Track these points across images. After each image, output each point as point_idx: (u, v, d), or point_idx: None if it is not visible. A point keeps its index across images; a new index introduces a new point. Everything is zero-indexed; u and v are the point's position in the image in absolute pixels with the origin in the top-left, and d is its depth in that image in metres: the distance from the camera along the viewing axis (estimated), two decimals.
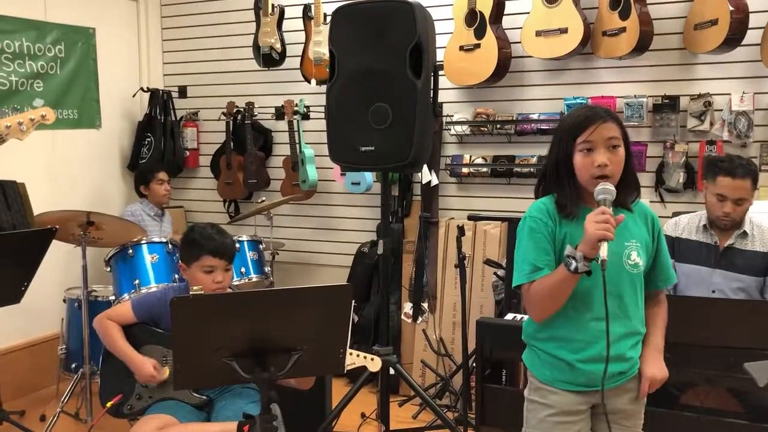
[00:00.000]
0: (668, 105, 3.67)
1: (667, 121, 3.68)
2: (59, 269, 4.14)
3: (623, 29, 3.56)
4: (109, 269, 3.72)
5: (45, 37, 4.31)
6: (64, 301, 3.97)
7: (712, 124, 3.60)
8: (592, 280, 1.84)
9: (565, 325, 1.91)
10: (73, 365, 3.79)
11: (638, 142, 3.77)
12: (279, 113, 4.62)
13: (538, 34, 3.73)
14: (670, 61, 3.72)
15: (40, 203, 3.62)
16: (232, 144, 4.76)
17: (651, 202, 3.75)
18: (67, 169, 4.48)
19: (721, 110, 3.58)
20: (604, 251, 1.72)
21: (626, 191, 1.92)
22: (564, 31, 3.66)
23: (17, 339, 4.11)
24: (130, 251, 3.63)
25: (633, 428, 2.00)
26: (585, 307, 1.88)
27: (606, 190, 1.80)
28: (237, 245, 3.54)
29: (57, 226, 2.60)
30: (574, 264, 1.75)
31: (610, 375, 1.90)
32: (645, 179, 3.77)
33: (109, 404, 2.57)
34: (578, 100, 3.82)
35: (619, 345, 1.90)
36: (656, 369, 1.96)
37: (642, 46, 3.57)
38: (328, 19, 4.05)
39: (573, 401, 1.93)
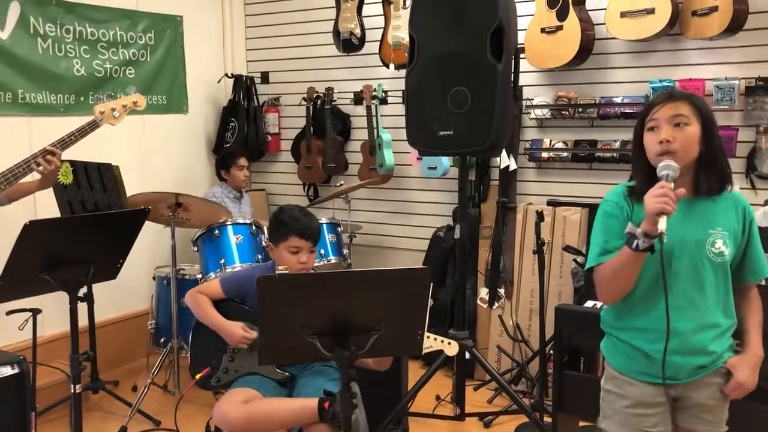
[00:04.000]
0: (763, 87, 3.50)
1: (761, 104, 3.51)
2: (149, 248, 4.35)
3: (715, 8, 3.40)
4: (196, 249, 3.87)
5: (136, 25, 4.51)
6: (154, 278, 4.16)
7: None
8: (674, 268, 1.82)
9: (643, 315, 1.88)
10: (162, 339, 3.97)
11: (728, 127, 3.61)
12: (357, 98, 4.68)
13: (623, 15, 3.62)
14: (765, 41, 3.54)
15: (132, 185, 3.80)
16: (311, 129, 4.86)
17: (741, 188, 3.60)
18: (157, 152, 4.68)
19: None
20: (663, 224, 1.70)
21: (707, 176, 1.86)
22: (651, 11, 3.53)
23: (112, 313, 4.35)
24: (216, 232, 3.77)
25: (716, 423, 1.94)
26: (662, 296, 1.84)
27: (668, 166, 1.78)
28: None
29: (150, 207, 2.73)
30: (635, 241, 1.74)
31: (690, 368, 1.87)
32: (735, 165, 3.61)
33: (198, 376, 2.69)
34: (665, 83, 3.69)
35: (698, 336, 1.85)
36: (749, 376, 1.89)
37: (735, 25, 3.40)
38: (408, 3, 4.07)
39: (650, 393, 1.89)
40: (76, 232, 2.44)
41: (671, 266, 1.83)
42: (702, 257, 1.85)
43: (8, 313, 3.00)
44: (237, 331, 2.63)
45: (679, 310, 1.83)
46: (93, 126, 2.97)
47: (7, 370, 2.53)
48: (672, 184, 1.76)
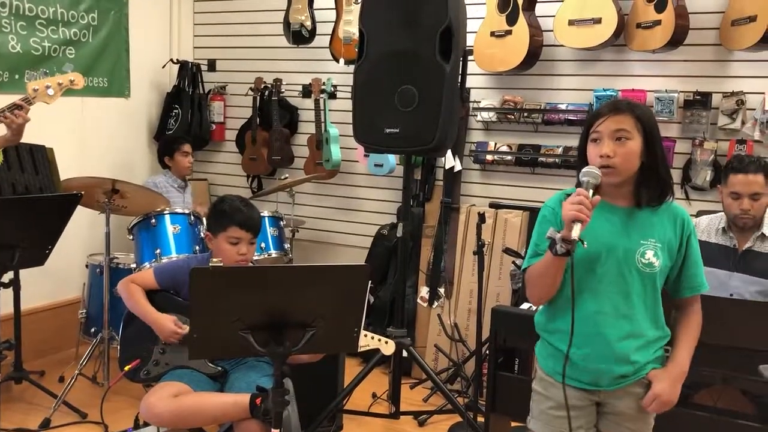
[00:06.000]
0: (700, 101, 3.61)
1: (697, 117, 3.63)
2: (83, 235, 4.22)
3: (658, 22, 3.50)
4: (131, 237, 3.76)
5: (78, 4, 4.34)
6: (87, 266, 4.03)
7: (743, 123, 3.54)
8: (599, 274, 1.84)
9: (567, 318, 1.86)
10: (93, 329, 3.85)
11: (666, 138, 3.71)
12: (306, 91, 4.63)
13: (571, 23, 3.68)
14: (704, 57, 3.66)
15: (67, 169, 3.67)
16: (258, 119, 4.78)
17: (676, 199, 3.70)
18: (95, 136, 4.53)
19: (754, 109, 3.51)
20: (576, 232, 1.71)
21: (648, 188, 1.89)
22: (598, 21, 3.61)
23: (41, 301, 4.19)
24: (153, 221, 3.67)
25: None
26: (590, 300, 1.86)
27: (588, 172, 1.80)
28: None
29: (82, 192, 2.64)
30: (555, 246, 1.76)
31: (611, 376, 1.88)
32: (671, 175, 3.71)
33: (126, 368, 2.62)
34: (608, 92, 3.77)
35: (622, 345, 1.86)
36: (667, 389, 1.87)
37: (676, 40, 3.51)
38: None
39: (574, 396, 1.90)
40: (1, 215, 2.34)
41: (595, 271, 1.86)
42: (630, 266, 1.87)
43: None
44: (168, 325, 2.57)
45: (604, 316, 1.85)
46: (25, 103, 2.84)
47: None
48: (591, 191, 1.78)
